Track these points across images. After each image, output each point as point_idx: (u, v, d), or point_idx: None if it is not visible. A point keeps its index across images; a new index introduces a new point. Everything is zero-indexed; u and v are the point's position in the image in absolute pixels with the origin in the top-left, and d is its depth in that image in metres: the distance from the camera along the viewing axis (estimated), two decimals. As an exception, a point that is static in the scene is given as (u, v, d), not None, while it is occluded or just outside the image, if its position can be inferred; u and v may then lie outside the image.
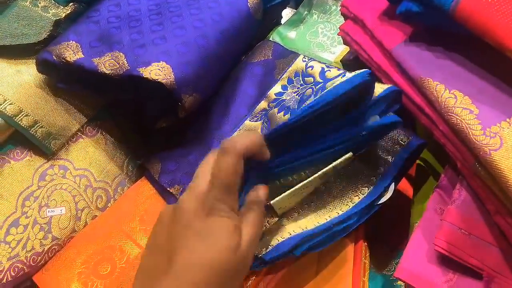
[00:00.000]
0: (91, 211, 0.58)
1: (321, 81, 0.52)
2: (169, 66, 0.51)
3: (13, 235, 0.53)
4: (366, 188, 0.47)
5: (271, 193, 0.42)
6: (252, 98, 0.58)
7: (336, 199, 0.48)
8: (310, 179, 0.43)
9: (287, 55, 0.60)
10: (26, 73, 0.55)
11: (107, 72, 0.51)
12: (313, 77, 0.54)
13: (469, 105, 0.40)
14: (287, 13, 0.75)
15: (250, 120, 0.56)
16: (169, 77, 0.50)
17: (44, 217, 0.55)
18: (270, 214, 0.46)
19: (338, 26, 0.56)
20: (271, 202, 0.43)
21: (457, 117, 0.40)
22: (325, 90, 0.42)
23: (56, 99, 0.57)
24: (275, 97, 0.56)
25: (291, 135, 0.41)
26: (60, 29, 0.58)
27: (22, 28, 0.56)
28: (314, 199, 0.48)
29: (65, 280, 0.52)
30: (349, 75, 0.42)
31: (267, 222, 0.46)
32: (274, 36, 0.66)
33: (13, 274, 0.52)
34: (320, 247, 0.45)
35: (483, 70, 0.42)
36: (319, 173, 0.43)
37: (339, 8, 0.69)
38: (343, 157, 0.44)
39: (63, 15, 0.58)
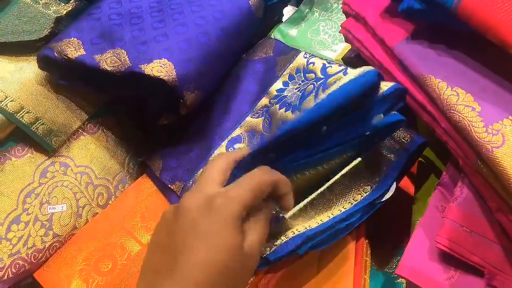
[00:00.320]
0: (92, 208, 0.58)
1: (323, 77, 0.52)
2: (171, 63, 0.51)
3: (14, 232, 0.53)
4: (369, 187, 0.47)
5: None
6: (254, 95, 0.58)
7: (338, 197, 0.48)
8: (319, 190, 0.43)
9: (288, 51, 0.60)
10: (28, 70, 0.55)
11: (109, 69, 0.51)
12: (315, 73, 0.54)
13: (471, 102, 0.40)
14: (288, 11, 0.75)
15: (251, 117, 0.56)
16: (171, 74, 0.50)
17: (45, 214, 0.55)
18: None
19: (340, 24, 0.56)
20: (285, 215, 0.43)
21: (459, 114, 0.40)
22: (331, 89, 0.41)
23: (58, 96, 0.57)
24: (277, 93, 0.56)
25: (296, 135, 0.41)
26: (61, 26, 0.58)
27: (23, 25, 0.56)
28: (317, 198, 0.48)
29: (66, 277, 0.52)
30: (353, 71, 0.42)
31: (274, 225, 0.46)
32: (276, 34, 0.66)
33: (14, 271, 0.52)
34: (323, 245, 0.45)
35: (485, 67, 0.42)
36: (329, 183, 0.43)
37: (340, 6, 0.70)
38: (352, 164, 0.44)
39: (64, 12, 0.58)
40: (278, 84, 0.57)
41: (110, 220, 0.57)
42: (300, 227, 0.45)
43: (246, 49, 0.65)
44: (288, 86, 0.56)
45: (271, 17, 0.71)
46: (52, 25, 0.56)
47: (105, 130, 0.62)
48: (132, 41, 0.53)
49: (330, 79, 0.51)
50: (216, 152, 0.55)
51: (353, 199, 0.47)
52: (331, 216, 0.46)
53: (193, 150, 0.59)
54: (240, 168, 0.38)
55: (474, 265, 0.41)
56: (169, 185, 0.57)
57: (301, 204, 0.43)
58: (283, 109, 0.53)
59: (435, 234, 0.43)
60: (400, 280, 0.52)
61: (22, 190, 0.54)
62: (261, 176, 0.36)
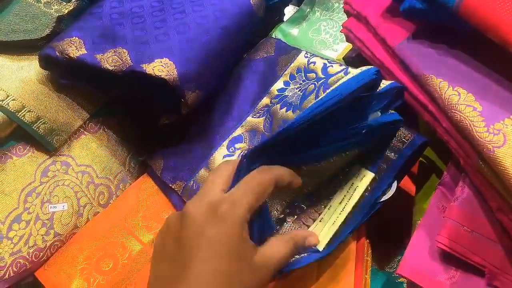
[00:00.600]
0: (93, 208, 0.58)
1: (323, 76, 0.52)
2: (172, 62, 0.51)
3: (16, 230, 0.53)
4: (369, 186, 0.47)
5: None
6: (255, 94, 0.58)
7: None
8: (344, 214, 0.44)
9: (289, 51, 0.60)
10: (29, 69, 0.55)
11: (110, 68, 0.51)
12: (315, 72, 0.54)
13: (472, 102, 0.40)
14: (289, 10, 0.75)
15: (252, 117, 0.56)
16: (172, 74, 0.50)
17: (46, 213, 0.55)
18: None
19: (341, 24, 0.56)
20: (319, 248, 0.44)
21: (461, 114, 0.40)
22: (331, 88, 0.41)
23: (59, 95, 0.57)
24: (278, 93, 0.56)
25: (294, 136, 0.41)
26: (63, 25, 0.58)
27: (25, 24, 0.56)
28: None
29: (67, 276, 0.52)
30: (353, 71, 0.42)
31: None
32: (277, 34, 0.66)
33: (16, 270, 0.52)
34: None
35: (486, 67, 0.42)
36: (350, 207, 0.44)
37: (341, 5, 0.70)
38: (367, 180, 0.44)
39: (66, 11, 0.58)
40: (279, 84, 0.57)
41: (111, 219, 0.57)
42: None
43: (247, 49, 0.65)
44: (289, 86, 0.56)
45: (272, 17, 0.71)
46: (54, 24, 0.56)
47: (106, 130, 0.62)
48: (134, 41, 0.53)
49: (331, 79, 0.51)
50: (217, 151, 0.55)
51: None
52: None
53: (194, 149, 0.59)
54: (243, 169, 0.38)
55: (475, 265, 0.41)
56: (170, 185, 0.57)
57: (330, 234, 0.44)
58: (284, 109, 0.53)
59: (436, 234, 0.43)
60: (401, 279, 0.52)
61: (23, 189, 0.54)
62: (261, 176, 0.37)
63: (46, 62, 0.54)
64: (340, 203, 0.45)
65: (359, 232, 0.51)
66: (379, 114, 0.44)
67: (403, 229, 0.52)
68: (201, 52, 0.53)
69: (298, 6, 0.74)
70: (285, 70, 0.58)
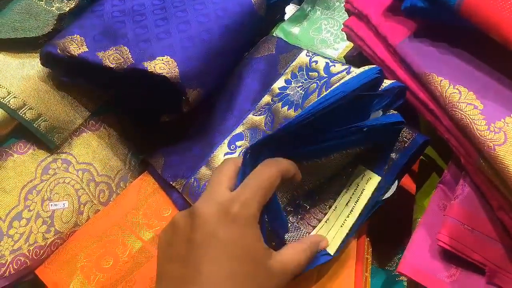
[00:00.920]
0: (93, 205, 0.58)
1: (326, 76, 0.52)
2: (173, 60, 0.51)
3: (16, 228, 0.53)
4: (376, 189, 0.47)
5: None
6: (256, 93, 0.58)
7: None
8: (353, 217, 0.44)
9: (290, 49, 0.60)
10: (30, 66, 0.55)
11: (112, 66, 0.51)
12: (318, 72, 0.54)
13: (473, 100, 0.40)
14: (290, 9, 0.75)
15: (253, 115, 0.56)
16: (173, 72, 0.50)
17: (47, 210, 0.55)
18: None
19: (342, 22, 0.56)
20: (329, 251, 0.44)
21: (462, 112, 0.40)
22: (334, 86, 0.41)
23: (60, 93, 0.57)
24: (279, 91, 0.56)
25: (295, 132, 0.41)
26: (64, 23, 0.58)
27: (26, 22, 0.56)
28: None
29: (68, 274, 0.52)
30: (356, 70, 0.42)
31: None
32: (278, 32, 0.66)
33: (16, 267, 0.52)
34: None
35: (487, 65, 0.42)
36: (359, 210, 0.44)
37: (342, 4, 0.70)
38: (374, 183, 0.44)
39: (67, 9, 0.58)
40: (280, 82, 0.57)
41: (111, 217, 0.57)
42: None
43: (248, 47, 0.65)
44: (291, 84, 0.56)
45: (273, 15, 0.72)
46: (55, 22, 0.56)
47: (107, 127, 0.62)
48: (135, 39, 0.53)
49: (333, 78, 0.51)
50: (218, 149, 0.56)
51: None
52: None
53: (195, 147, 0.59)
54: (247, 165, 0.38)
55: (476, 263, 0.41)
56: (171, 182, 0.57)
57: (341, 237, 0.44)
58: (286, 107, 0.53)
59: (437, 232, 0.43)
60: (401, 278, 0.52)
61: (23, 187, 0.55)
62: (268, 170, 0.36)
63: (47, 60, 0.54)
64: (347, 205, 0.45)
65: (359, 231, 0.51)
66: (381, 113, 0.44)
67: (403, 228, 0.52)
68: (202, 50, 0.53)
69: (299, 5, 0.74)
70: (287, 69, 0.58)
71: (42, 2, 0.57)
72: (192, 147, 0.59)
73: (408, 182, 0.58)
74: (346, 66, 0.51)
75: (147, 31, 0.54)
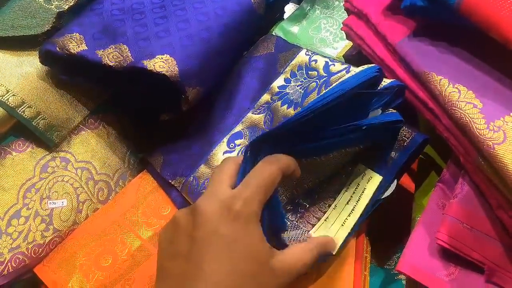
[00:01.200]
0: (92, 204, 0.58)
1: (325, 75, 0.52)
2: (173, 58, 0.51)
3: (15, 226, 0.53)
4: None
5: None
6: (255, 91, 0.58)
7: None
8: (354, 216, 0.44)
9: (290, 48, 0.60)
10: (29, 64, 0.55)
11: (111, 64, 0.51)
12: (317, 71, 0.54)
13: (473, 99, 0.40)
14: (290, 8, 0.75)
15: (252, 113, 0.56)
16: (173, 70, 0.50)
17: (45, 209, 0.55)
18: None
19: (341, 22, 0.56)
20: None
21: (461, 111, 0.40)
22: (334, 85, 0.41)
23: (59, 91, 0.57)
24: (278, 90, 0.56)
25: (294, 131, 0.41)
26: (63, 21, 0.57)
27: (25, 20, 0.56)
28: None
29: (66, 272, 0.52)
30: (355, 69, 0.42)
31: None
32: (277, 31, 0.66)
33: (14, 266, 0.52)
34: None
35: (487, 64, 0.42)
36: (361, 209, 0.44)
37: (341, 3, 0.70)
38: (376, 182, 0.45)
39: (66, 7, 0.57)
40: (279, 81, 0.57)
41: (110, 215, 0.57)
42: None
43: (247, 46, 0.65)
44: (290, 83, 0.56)
45: (273, 14, 0.72)
46: (54, 20, 0.56)
47: (105, 126, 0.62)
48: (134, 37, 0.53)
49: (333, 77, 0.51)
50: (217, 147, 0.56)
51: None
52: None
53: (194, 145, 0.59)
54: (248, 162, 0.38)
55: (474, 261, 0.41)
56: (170, 181, 0.57)
57: (343, 235, 0.44)
58: (285, 106, 0.53)
59: (436, 231, 0.43)
60: (400, 276, 0.52)
61: (22, 185, 0.54)
62: (269, 167, 0.36)
63: (46, 58, 0.54)
64: (348, 203, 0.45)
65: (358, 229, 0.51)
66: (380, 111, 0.44)
67: (402, 226, 0.52)
68: (201, 49, 0.54)
69: (298, 4, 0.74)
70: (286, 67, 0.58)
71: (41, 0, 0.57)
72: (191, 146, 0.59)
73: (407, 181, 0.58)
74: (346, 65, 0.51)
75: (146, 29, 0.54)
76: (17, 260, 0.52)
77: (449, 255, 0.43)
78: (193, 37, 0.54)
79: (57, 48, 0.53)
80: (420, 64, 0.44)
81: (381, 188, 0.47)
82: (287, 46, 0.61)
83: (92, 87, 0.59)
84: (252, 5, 0.60)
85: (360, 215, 0.45)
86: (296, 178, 0.40)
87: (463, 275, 0.42)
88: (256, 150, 0.39)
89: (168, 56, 0.51)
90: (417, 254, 0.44)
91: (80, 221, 0.57)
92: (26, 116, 0.53)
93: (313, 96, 0.51)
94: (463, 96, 0.41)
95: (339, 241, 0.44)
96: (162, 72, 0.50)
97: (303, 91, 0.53)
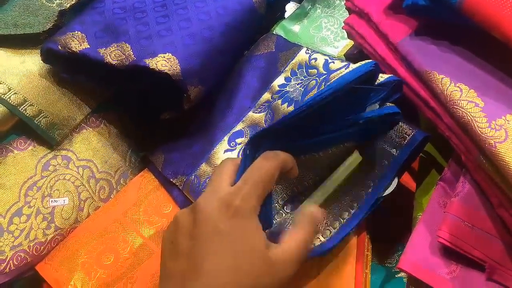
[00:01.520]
0: (94, 202, 0.58)
1: (325, 72, 0.52)
2: (175, 57, 0.51)
3: (16, 224, 0.53)
4: (371, 182, 0.48)
5: None
6: (256, 90, 0.58)
7: (342, 194, 0.48)
8: (330, 187, 0.44)
9: (290, 47, 0.60)
10: (31, 62, 0.55)
11: (113, 62, 0.51)
12: (317, 69, 0.54)
13: (474, 98, 0.40)
14: (291, 7, 0.76)
15: (253, 112, 0.56)
16: (175, 69, 0.50)
17: (47, 207, 0.55)
18: None
19: (342, 21, 0.56)
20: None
21: (463, 110, 0.40)
22: (330, 81, 0.42)
23: (61, 90, 0.57)
24: (279, 88, 0.56)
25: (292, 126, 0.41)
26: (64, 19, 0.57)
27: (27, 18, 0.55)
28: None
29: (68, 270, 0.52)
30: (353, 66, 0.42)
31: None
32: (278, 30, 0.66)
33: (16, 263, 0.52)
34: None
35: (489, 63, 0.42)
36: (334, 179, 0.44)
37: (342, 2, 0.70)
38: (351, 159, 0.44)
39: (68, 5, 0.57)
40: (280, 80, 0.58)
41: (112, 214, 0.57)
42: (315, 240, 0.46)
43: (248, 46, 0.65)
44: (291, 82, 0.56)
45: (274, 13, 0.72)
46: (56, 18, 0.56)
47: (107, 124, 0.62)
48: (136, 36, 0.53)
49: (332, 75, 0.51)
50: (218, 146, 0.56)
51: (358, 196, 0.48)
52: (343, 221, 0.46)
53: (195, 144, 0.59)
54: (247, 157, 0.38)
55: (476, 259, 0.42)
56: (171, 179, 0.57)
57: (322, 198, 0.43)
58: (286, 104, 0.53)
59: (437, 229, 0.43)
60: (400, 274, 0.52)
61: (24, 183, 0.54)
62: (267, 164, 0.37)
63: (48, 56, 0.54)
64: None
65: (359, 228, 0.51)
66: (377, 106, 0.44)
67: (403, 225, 0.53)
68: (203, 48, 0.54)
69: (299, 3, 0.75)
70: (286, 66, 0.58)
71: (43, -1, 0.57)
72: (192, 144, 0.59)
73: (408, 179, 0.58)
74: (345, 63, 0.52)
75: (148, 28, 0.54)
76: (19, 258, 0.52)
77: (450, 253, 0.43)
78: (195, 36, 0.54)
79: (59, 47, 0.53)
80: (421, 63, 0.44)
81: (380, 184, 0.47)
82: (288, 45, 0.61)
83: (94, 86, 0.59)
84: (253, 4, 0.60)
85: (337, 185, 0.44)
86: (294, 176, 0.40)
87: (464, 273, 0.42)
88: (256, 146, 0.39)
89: (170, 54, 0.51)
90: (418, 252, 0.44)
91: (82, 219, 0.57)
92: (28, 114, 0.53)
93: (313, 94, 0.51)
94: (465, 95, 0.41)
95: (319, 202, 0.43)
96: (165, 71, 0.50)
97: (303, 89, 0.53)
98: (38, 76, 0.55)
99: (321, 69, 0.54)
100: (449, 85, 0.42)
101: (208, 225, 0.34)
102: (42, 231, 0.54)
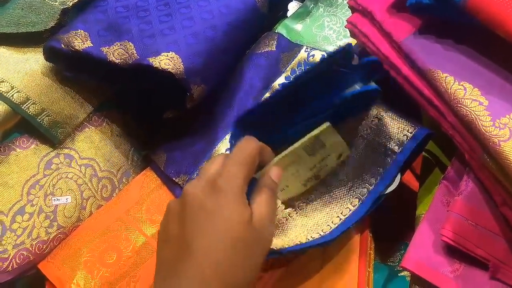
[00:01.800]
0: (96, 201, 0.58)
1: None
2: (178, 56, 0.51)
3: (19, 223, 0.53)
4: (373, 179, 0.48)
5: None
6: (257, 89, 0.59)
7: (344, 191, 0.48)
8: (292, 147, 0.43)
9: (292, 48, 0.61)
10: (34, 61, 0.55)
11: (116, 61, 0.51)
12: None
13: (478, 96, 0.40)
14: (293, 6, 0.75)
15: (254, 111, 0.56)
16: (178, 67, 0.50)
17: (49, 205, 0.55)
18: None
19: (344, 20, 0.56)
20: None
21: (467, 108, 0.40)
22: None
23: (63, 88, 0.57)
24: (278, 87, 0.57)
25: (271, 111, 0.42)
26: (67, 18, 0.57)
27: (29, 16, 0.55)
28: (325, 192, 0.48)
29: (71, 268, 0.52)
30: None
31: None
32: (280, 29, 0.66)
33: (19, 262, 0.52)
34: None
35: (493, 62, 0.42)
36: (300, 142, 0.43)
37: (345, 1, 0.69)
38: (321, 127, 0.44)
39: (71, 4, 0.57)
40: (280, 79, 0.58)
41: (114, 212, 0.57)
42: (314, 234, 0.46)
43: (251, 45, 0.65)
44: (290, 80, 0.57)
45: (276, 12, 0.72)
46: (58, 16, 0.56)
47: (109, 123, 0.62)
48: (139, 34, 0.53)
49: None
50: (220, 145, 0.56)
51: (359, 193, 0.47)
52: (342, 217, 0.46)
53: (197, 143, 0.59)
54: (236, 136, 0.40)
55: (479, 258, 0.42)
56: (174, 178, 0.57)
57: (276, 159, 0.42)
58: None
59: (440, 228, 0.43)
60: (403, 273, 0.52)
61: (26, 181, 0.54)
62: (250, 145, 0.38)
63: (51, 55, 0.54)
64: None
65: (362, 226, 0.51)
66: (357, 87, 0.44)
67: (406, 224, 0.53)
68: (207, 47, 0.54)
69: (302, 2, 0.74)
70: (287, 66, 0.58)
71: (45, -3, 0.57)
72: (194, 143, 0.59)
73: (411, 178, 0.58)
74: None
75: (151, 27, 0.54)
76: (22, 257, 0.52)
77: (453, 252, 0.43)
78: (198, 35, 0.54)
79: (62, 45, 0.53)
80: (425, 61, 0.44)
81: (382, 182, 0.48)
82: (290, 46, 0.61)
83: (97, 84, 0.59)
84: (255, 3, 0.60)
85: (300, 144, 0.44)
86: (270, 160, 0.41)
87: (467, 272, 0.42)
88: (242, 129, 0.40)
89: (173, 53, 0.51)
90: (422, 251, 0.44)
91: (84, 218, 0.57)
92: (30, 113, 0.53)
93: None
94: (469, 93, 0.41)
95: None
96: (168, 70, 0.50)
97: None
98: (41, 74, 0.55)
99: None
100: (453, 84, 0.42)
101: (194, 206, 0.35)
102: (45, 229, 0.54)
